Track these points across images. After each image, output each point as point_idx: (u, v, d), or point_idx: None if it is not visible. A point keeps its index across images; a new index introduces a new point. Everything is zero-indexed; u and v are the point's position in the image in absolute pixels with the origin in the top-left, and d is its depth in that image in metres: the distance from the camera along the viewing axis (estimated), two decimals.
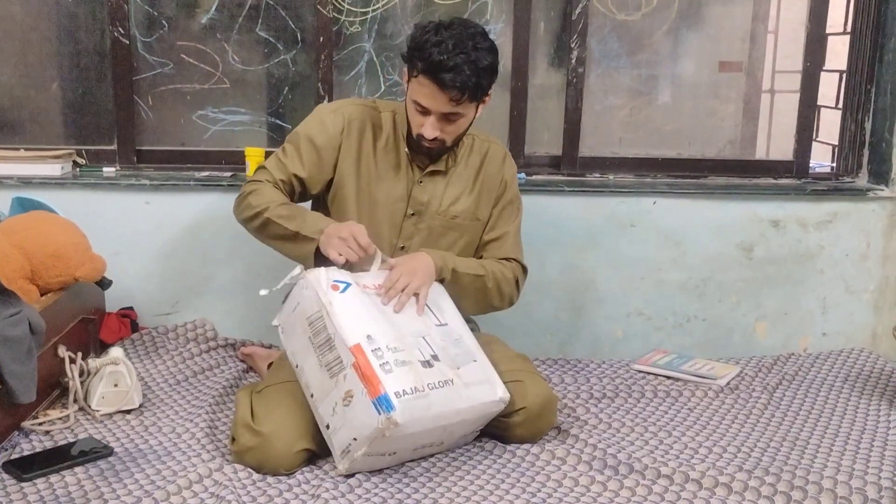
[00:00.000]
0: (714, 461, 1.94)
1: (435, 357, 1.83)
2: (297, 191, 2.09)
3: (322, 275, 1.86)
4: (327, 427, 1.81)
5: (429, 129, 1.93)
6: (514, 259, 2.17)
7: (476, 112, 1.99)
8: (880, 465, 1.93)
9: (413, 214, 2.09)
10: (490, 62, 1.90)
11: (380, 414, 1.71)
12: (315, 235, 1.95)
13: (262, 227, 2.04)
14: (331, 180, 2.10)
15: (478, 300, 2.09)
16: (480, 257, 2.17)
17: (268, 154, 2.63)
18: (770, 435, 2.10)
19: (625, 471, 1.88)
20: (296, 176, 2.06)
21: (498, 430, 1.99)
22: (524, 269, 2.19)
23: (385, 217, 2.09)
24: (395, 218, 2.09)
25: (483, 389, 1.87)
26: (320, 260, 1.95)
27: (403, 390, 1.73)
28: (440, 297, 1.98)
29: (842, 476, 1.86)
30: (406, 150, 2.08)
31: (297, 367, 1.88)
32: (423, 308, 1.92)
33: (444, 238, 2.12)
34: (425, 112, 1.92)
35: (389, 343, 1.79)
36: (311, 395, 1.84)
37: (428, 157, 2.08)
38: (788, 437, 2.09)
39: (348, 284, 1.86)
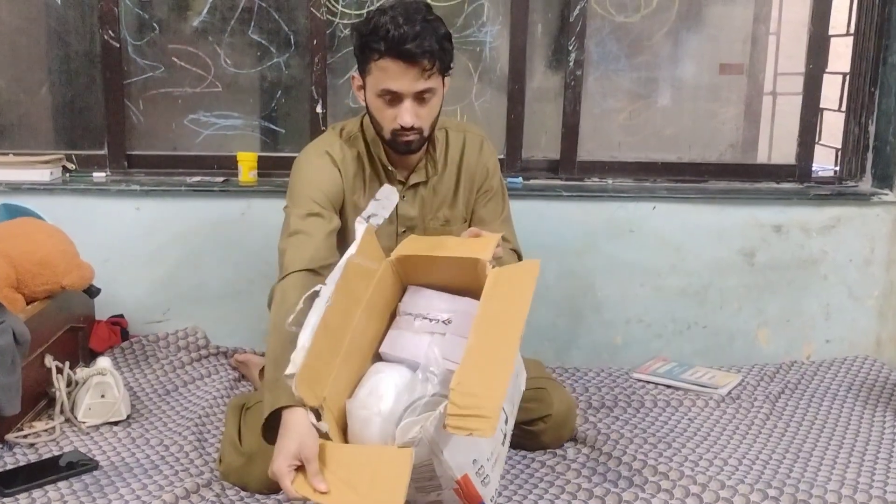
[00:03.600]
0: (715, 474, 1.89)
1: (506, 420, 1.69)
2: (333, 241, 1.87)
3: (439, 421, 1.48)
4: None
5: (406, 115, 1.79)
6: (515, 250, 2.08)
7: (443, 89, 1.88)
8: (885, 477, 1.88)
9: (405, 231, 2.00)
10: (446, 30, 1.82)
11: None
12: (269, 410, 1.60)
13: (266, 345, 1.74)
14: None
15: None
16: None
17: (260, 159, 2.61)
18: (773, 446, 2.06)
19: (624, 484, 1.84)
20: (328, 221, 1.87)
21: (522, 438, 1.95)
22: (519, 257, 2.09)
23: (380, 243, 1.93)
24: (389, 241, 1.96)
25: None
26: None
27: (494, 496, 1.66)
28: (515, 398, 1.75)
29: (846, 490, 1.81)
30: (391, 168, 1.96)
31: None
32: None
33: None
34: (396, 99, 1.80)
35: (490, 452, 1.60)
36: None
37: (404, 155, 1.94)
38: (791, 448, 2.05)
39: None
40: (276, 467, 1.50)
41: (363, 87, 1.87)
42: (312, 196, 1.87)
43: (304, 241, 1.81)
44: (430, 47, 1.76)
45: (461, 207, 2.05)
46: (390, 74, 1.78)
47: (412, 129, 1.83)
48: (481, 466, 1.60)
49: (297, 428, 1.52)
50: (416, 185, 2.00)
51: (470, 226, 2.06)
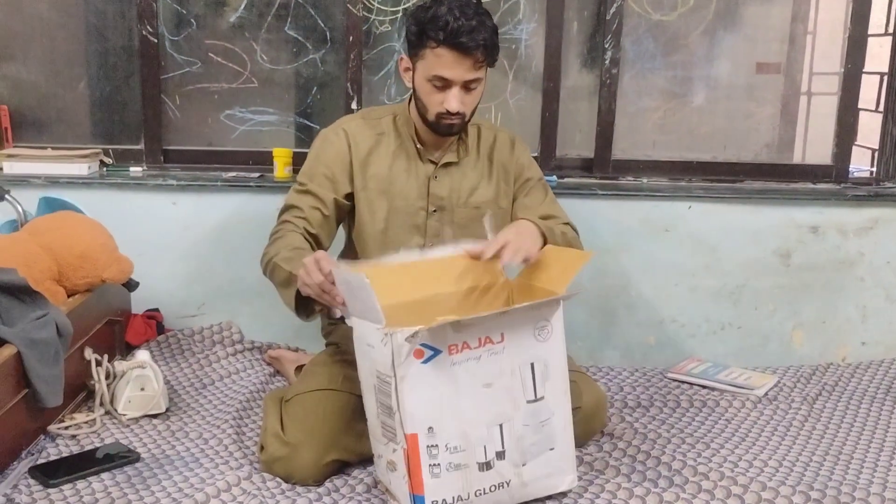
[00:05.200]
0: (756, 475, 1.88)
1: (500, 455, 1.65)
2: (325, 215, 2.00)
3: (406, 342, 1.55)
4: (378, 456, 1.75)
5: (453, 101, 1.90)
6: (567, 223, 2.11)
7: (486, 78, 1.97)
8: None
9: (435, 211, 2.06)
10: (494, 24, 1.92)
11: None
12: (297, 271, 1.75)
13: (271, 275, 1.90)
14: (349, 196, 2.04)
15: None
16: None
17: (295, 155, 2.62)
18: (812, 448, 2.04)
19: (664, 484, 1.83)
20: (318, 199, 1.99)
21: None
22: (574, 229, 2.12)
23: (407, 221, 2.04)
24: (418, 219, 2.05)
25: (545, 483, 1.73)
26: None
27: (443, 500, 1.61)
28: (553, 355, 1.71)
29: (889, 493, 1.80)
30: (419, 146, 2.04)
31: (361, 380, 1.73)
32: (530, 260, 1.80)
33: (468, 230, 2.06)
34: (446, 86, 1.90)
35: (451, 441, 1.60)
36: (368, 420, 1.74)
37: (439, 147, 2.05)
38: (831, 450, 2.03)
39: (437, 353, 1.58)
40: (300, 273, 1.70)
41: (411, 69, 1.96)
42: (313, 174, 2.02)
43: (295, 212, 1.99)
44: (484, 41, 1.87)
45: (497, 198, 2.10)
46: (444, 62, 1.87)
47: (457, 113, 1.92)
48: (435, 445, 1.58)
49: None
50: (447, 166, 2.06)
51: (512, 213, 2.12)
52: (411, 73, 1.96)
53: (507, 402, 1.66)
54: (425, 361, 1.57)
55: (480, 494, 1.65)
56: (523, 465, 1.69)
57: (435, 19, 1.85)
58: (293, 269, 1.77)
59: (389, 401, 1.60)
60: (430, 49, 1.88)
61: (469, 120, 2.01)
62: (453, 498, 1.63)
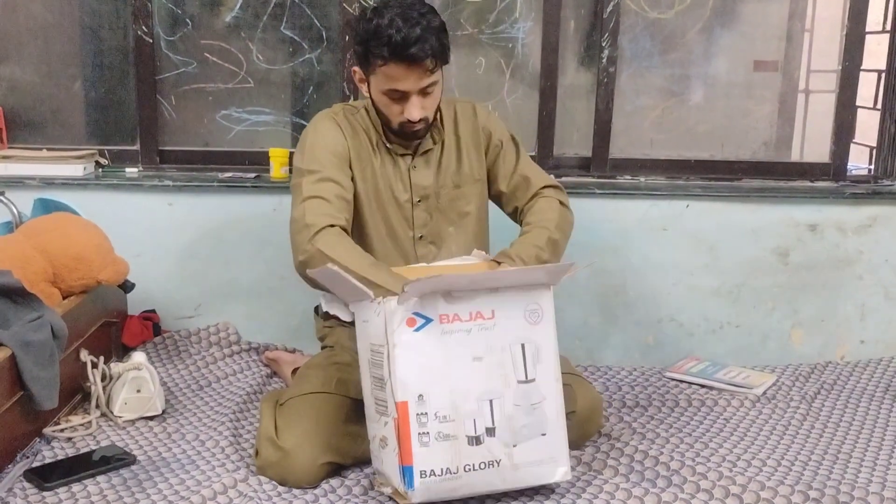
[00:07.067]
0: (754, 474, 1.87)
1: (490, 431, 1.66)
2: (348, 200, 1.93)
3: (399, 309, 1.62)
4: (373, 438, 1.76)
5: (414, 110, 1.87)
6: (545, 187, 2.08)
7: (443, 75, 1.93)
8: None
9: (419, 201, 2.04)
10: (440, 22, 1.87)
11: (401, 481, 1.63)
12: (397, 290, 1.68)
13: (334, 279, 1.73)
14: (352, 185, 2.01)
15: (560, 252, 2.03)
16: (516, 209, 2.09)
17: (292, 155, 2.60)
18: (811, 447, 2.03)
19: (663, 484, 1.82)
20: (338, 185, 1.91)
21: None
22: (556, 187, 2.09)
23: (396, 214, 2.03)
24: (405, 212, 2.03)
25: (537, 471, 1.72)
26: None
27: (432, 470, 1.62)
28: (544, 339, 1.73)
29: (888, 492, 1.79)
30: (389, 145, 2.01)
31: (360, 362, 1.75)
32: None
33: (453, 211, 2.06)
34: (403, 97, 1.87)
35: (441, 410, 1.63)
36: (365, 403, 1.76)
37: (411, 141, 2.00)
38: (830, 449, 2.02)
39: (428, 321, 1.64)
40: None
41: (365, 81, 1.93)
42: (323, 160, 1.92)
43: (322, 204, 1.86)
44: (432, 48, 1.82)
45: (468, 169, 2.07)
46: (396, 76, 1.84)
47: (420, 120, 1.89)
48: (425, 413, 1.62)
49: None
50: (426, 153, 2.04)
51: (490, 183, 2.10)
52: (366, 84, 1.93)
53: (498, 379, 1.69)
54: (417, 329, 1.63)
55: (470, 470, 1.66)
56: (514, 446, 1.69)
57: (377, 35, 1.79)
58: (384, 283, 1.71)
59: (382, 371, 1.64)
60: (378, 67, 1.83)
61: (434, 119, 1.98)
62: (442, 470, 1.63)
